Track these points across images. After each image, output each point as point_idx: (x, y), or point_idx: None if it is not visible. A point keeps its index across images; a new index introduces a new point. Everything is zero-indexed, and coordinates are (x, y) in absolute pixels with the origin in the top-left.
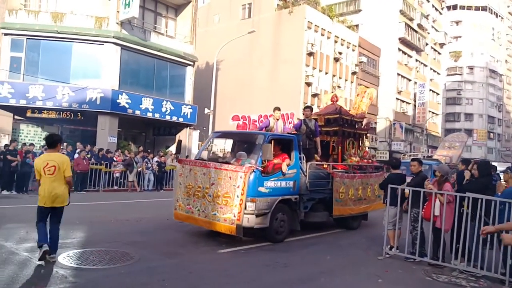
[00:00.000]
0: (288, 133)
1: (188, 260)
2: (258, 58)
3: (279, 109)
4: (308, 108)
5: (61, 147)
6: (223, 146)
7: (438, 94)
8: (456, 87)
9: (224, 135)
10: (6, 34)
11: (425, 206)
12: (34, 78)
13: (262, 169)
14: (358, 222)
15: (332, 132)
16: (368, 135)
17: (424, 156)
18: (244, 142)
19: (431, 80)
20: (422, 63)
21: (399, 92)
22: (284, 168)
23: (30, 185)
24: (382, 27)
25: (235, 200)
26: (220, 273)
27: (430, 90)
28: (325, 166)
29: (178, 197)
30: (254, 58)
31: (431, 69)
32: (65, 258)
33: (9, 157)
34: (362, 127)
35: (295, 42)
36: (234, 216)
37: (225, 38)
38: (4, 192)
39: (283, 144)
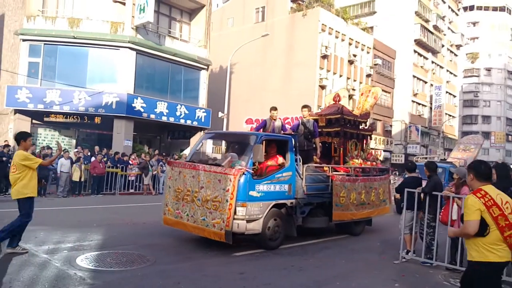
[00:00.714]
0: (284, 133)
1: (203, 263)
2: (271, 61)
3: (275, 108)
4: (306, 107)
5: (31, 143)
6: (216, 147)
7: (454, 96)
8: (473, 89)
9: (217, 135)
10: (24, 40)
11: (442, 210)
12: (51, 83)
13: (253, 171)
14: (361, 228)
15: (334, 133)
16: (372, 136)
17: (438, 159)
18: (236, 143)
19: (447, 82)
20: (438, 65)
21: (415, 95)
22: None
23: (48, 188)
24: (397, 29)
25: (224, 204)
26: (235, 276)
27: (447, 92)
28: (325, 168)
29: (167, 201)
30: (268, 61)
31: (447, 71)
32: (83, 260)
33: None
34: (366, 127)
35: (309, 45)
36: (223, 221)
37: (239, 41)
38: None
39: (279, 146)
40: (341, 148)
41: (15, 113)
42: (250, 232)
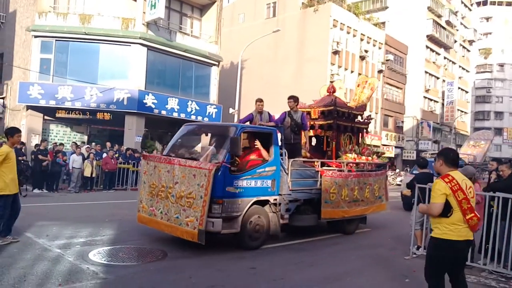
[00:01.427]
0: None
1: (214, 258)
2: (282, 57)
3: (261, 100)
4: (292, 98)
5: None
6: (197, 140)
7: (467, 92)
8: (485, 85)
9: (198, 127)
10: (36, 36)
11: None
12: (63, 79)
13: (231, 165)
14: (354, 226)
15: (326, 126)
16: (369, 129)
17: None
18: (217, 136)
19: (459, 78)
20: (450, 60)
21: (427, 91)
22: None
23: (60, 184)
24: (409, 24)
25: (198, 201)
26: (247, 271)
27: (459, 88)
28: (316, 163)
29: (142, 197)
30: (279, 57)
31: (459, 66)
32: (96, 255)
33: (40, 156)
34: (362, 120)
35: (320, 40)
36: (197, 220)
37: (250, 37)
38: (36, 190)
39: (262, 139)
40: (334, 142)
41: (27, 109)
42: (227, 232)
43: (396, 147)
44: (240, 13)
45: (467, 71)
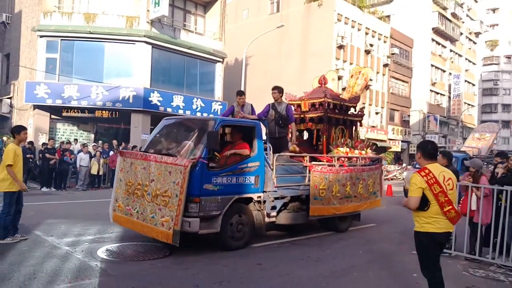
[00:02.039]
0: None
1: (220, 254)
2: (287, 53)
3: (242, 93)
4: (277, 89)
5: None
6: (176, 134)
7: (473, 85)
8: (492, 77)
9: (177, 121)
10: (41, 36)
11: (461, 201)
12: (69, 78)
13: (209, 161)
14: (347, 224)
15: (317, 119)
16: (362, 122)
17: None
18: (195, 130)
19: (466, 70)
20: (456, 53)
21: (433, 84)
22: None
23: (68, 182)
24: (414, 17)
25: (174, 200)
26: (254, 267)
27: (466, 81)
28: (306, 158)
29: (118, 196)
30: (283, 52)
31: (466, 59)
32: (104, 252)
33: (47, 155)
34: (356, 113)
35: (324, 35)
36: (172, 219)
37: (254, 33)
38: (44, 189)
39: (245, 133)
40: (325, 136)
41: (34, 109)
42: (206, 232)
43: (402, 141)
44: (244, 9)
45: (474, 63)
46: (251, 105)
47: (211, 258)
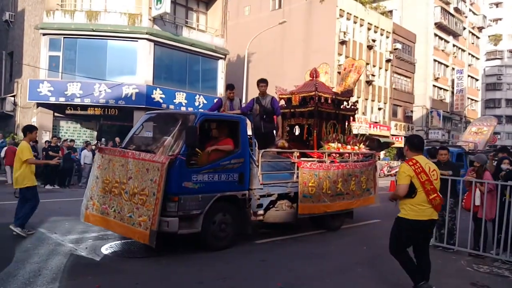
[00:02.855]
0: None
1: (224, 251)
2: (289, 49)
3: (232, 87)
4: (265, 82)
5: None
6: (156, 130)
7: (477, 79)
8: (496, 72)
9: (158, 116)
10: (44, 34)
11: (465, 196)
12: (72, 76)
13: (189, 158)
14: (339, 222)
15: (307, 113)
16: (355, 116)
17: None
18: (176, 125)
19: (469, 65)
20: (459, 48)
21: (436, 79)
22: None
23: (72, 180)
24: (417, 12)
25: (151, 199)
26: (258, 264)
27: (469, 76)
28: (296, 154)
29: (93, 194)
30: (285, 49)
31: (469, 54)
32: (108, 249)
33: (51, 153)
34: (349, 107)
35: (326, 31)
36: (149, 219)
37: (256, 30)
38: (48, 186)
39: (229, 128)
40: (315, 131)
41: (37, 107)
42: (186, 232)
43: (405, 137)
44: (246, 6)
45: (477, 58)
46: (240, 99)
47: (214, 255)
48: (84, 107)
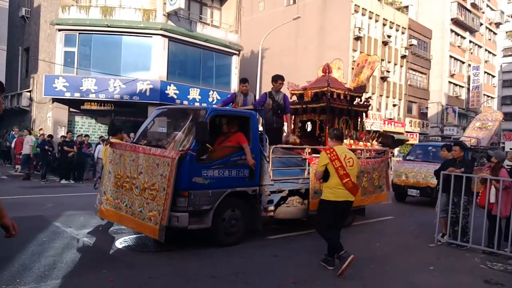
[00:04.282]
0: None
1: (237, 246)
2: (303, 45)
3: (246, 81)
4: (281, 79)
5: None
6: (168, 125)
7: (493, 76)
8: None
9: (170, 111)
10: (60, 30)
11: (480, 194)
12: (87, 71)
13: (200, 153)
14: (350, 219)
15: (319, 109)
16: (368, 112)
17: (451, 138)
18: (187, 120)
19: (486, 62)
20: (476, 44)
21: (452, 75)
22: (249, 159)
23: (87, 174)
24: (433, 7)
25: (161, 194)
26: (270, 259)
27: (485, 72)
28: (307, 150)
29: (106, 189)
30: (300, 44)
31: (486, 50)
32: (122, 243)
33: (66, 148)
34: (361, 103)
35: (341, 26)
36: (159, 214)
37: (270, 25)
38: (63, 181)
39: (241, 123)
40: (328, 127)
41: (53, 102)
42: (196, 227)
43: (420, 133)
44: (260, 1)
45: (494, 54)
46: (255, 95)
47: (227, 250)
48: (99, 103)
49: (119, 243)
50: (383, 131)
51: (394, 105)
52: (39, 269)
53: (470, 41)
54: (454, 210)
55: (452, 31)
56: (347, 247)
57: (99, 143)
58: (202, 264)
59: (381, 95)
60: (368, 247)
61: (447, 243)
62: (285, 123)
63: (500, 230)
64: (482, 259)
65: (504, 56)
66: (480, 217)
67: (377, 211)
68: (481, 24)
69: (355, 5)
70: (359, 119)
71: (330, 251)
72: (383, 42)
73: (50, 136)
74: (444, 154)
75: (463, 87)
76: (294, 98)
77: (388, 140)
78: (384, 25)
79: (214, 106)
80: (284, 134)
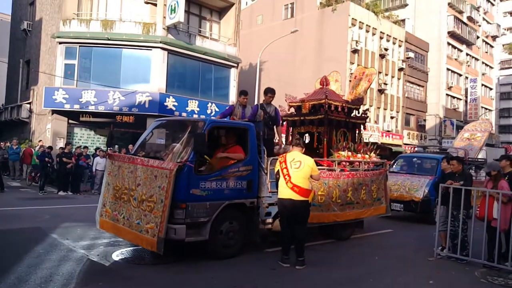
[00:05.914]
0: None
1: (235, 259)
2: (301, 58)
3: (245, 93)
4: (272, 92)
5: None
6: (166, 137)
7: (491, 89)
8: (510, 81)
9: (168, 123)
10: (60, 43)
11: (479, 206)
12: (87, 83)
13: (198, 165)
14: (349, 231)
15: (317, 121)
16: (366, 124)
17: (438, 149)
18: (185, 132)
19: (483, 74)
20: (473, 57)
21: (450, 88)
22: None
23: (84, 186)
24: (430, 21)
25: (159, 205)
26: (268, 272)
27: (483, 85)
28: None
29: (106, 201)
30: (297, 57)
31: (483, 63)
32: (119, 255)
33: (64, 159)
34: (359, 115)
35: (339, 40)
36: (157, 226)
37: (268, 38)
38: (61, 193)
39: (238, 135)
40: (325, 139)
41: (52, 114)
42: (193, 239)
43: (418, 146)
44: (258, 15)
45: (491, 67)
46: (252, 107)
47: (225, 262)
48: (98, 115)
49: (116, 256)
50: (381, 143)
51: (392, 117)
52: (35, 281)
53: (467, 54)
54: (453, 223)
55: (449, 44)
56: (345, 260)
57: (97, 155)
58: (199, 277)
59: (378, 108)
60: (367, 261)
61: (447, 257)
62: (276, 136)
63: (500, 244)
64: (482, 273)
65: (501, 68)
66: (480, 230)
67: (375, 224)
68: (478, 37)
69: (352, 18)
70: (356, 131)
71: (281, 249)
72: (380, 55)
73: (50, 147)
74: (444, 165)
75: (460, 99)
76: (292, 110)
77: (386, 152)
78: (381, 38)
79: (212, 118)
80: (283, 146)
